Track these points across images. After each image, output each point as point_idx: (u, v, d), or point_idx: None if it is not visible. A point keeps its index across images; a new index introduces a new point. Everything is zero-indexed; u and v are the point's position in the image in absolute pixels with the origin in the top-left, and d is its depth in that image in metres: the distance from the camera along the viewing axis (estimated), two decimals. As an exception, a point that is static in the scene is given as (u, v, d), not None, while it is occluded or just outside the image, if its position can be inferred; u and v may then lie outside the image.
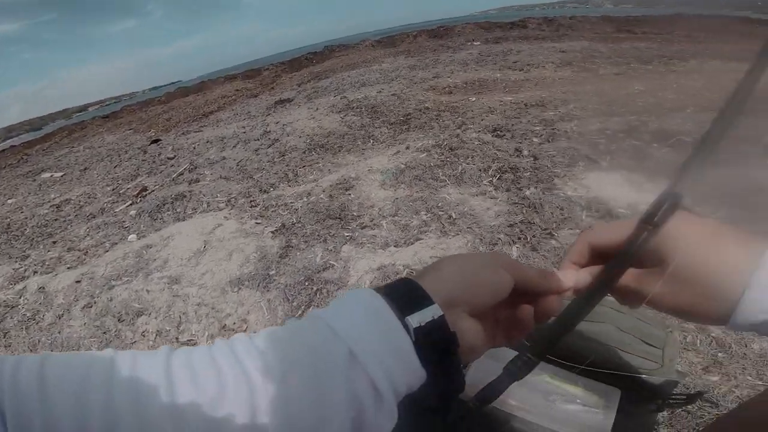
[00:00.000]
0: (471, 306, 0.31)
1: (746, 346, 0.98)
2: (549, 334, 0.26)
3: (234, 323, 1.38)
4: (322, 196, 1.88)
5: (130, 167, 3.31)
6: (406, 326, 0.28)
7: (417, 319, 0.28)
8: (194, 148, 3.28)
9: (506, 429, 0.57)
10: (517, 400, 0.56)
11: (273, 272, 1.46)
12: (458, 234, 1.42)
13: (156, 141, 4.01)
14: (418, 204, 1.65)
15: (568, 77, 3.64)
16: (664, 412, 0.82)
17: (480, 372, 0.59)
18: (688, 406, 0.84)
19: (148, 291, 1.57)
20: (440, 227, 1.48)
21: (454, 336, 0.29)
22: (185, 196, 2.25)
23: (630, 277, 0.33)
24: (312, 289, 1.34)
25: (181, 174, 2.71)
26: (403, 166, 1.97)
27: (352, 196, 1.83)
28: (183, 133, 3.99)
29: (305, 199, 1.89)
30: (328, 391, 0.27)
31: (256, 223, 1.78)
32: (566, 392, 0.56)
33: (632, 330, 0.66)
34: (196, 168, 2.74)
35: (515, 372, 0.27)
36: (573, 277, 0.35)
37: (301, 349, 0.27)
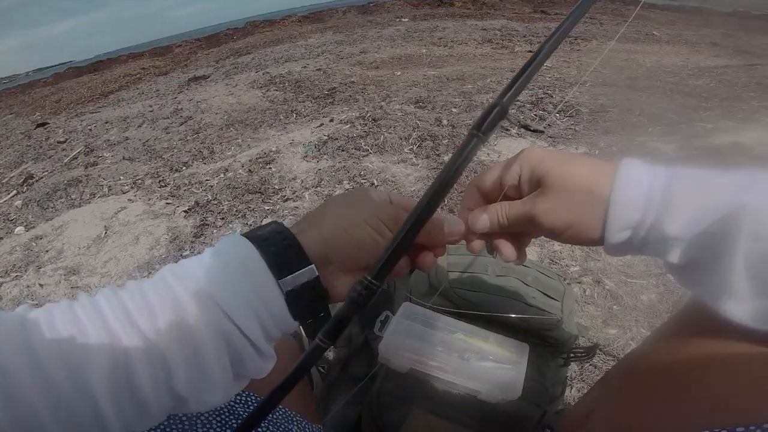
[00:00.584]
0: (348, 265, 0.31)
1: (636, 297, 1.02)
2: (385, 257, 0.25)
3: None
4: (240, 171, 1.78)
5: (12, 154, 2.84)
6: (280, 287, 0.28)
7: (291, 282, 0.28)
8: (90, 130, 2.90)
9: (427, 390, 0.58)
10: (435, 360, 0.57)
11: (187, 252, 1.36)
12: (380, 199, 1.43)
13: (43, 125, 3.48)
14: (340, 174, 1.63)
15: (488, 53, 3.80)
16: (575, 367, 0.85)
17: (397, 334, 0.60)
18: (594, 360, 0.86)
19: (41, 285, 1.38)
20: (362, 194, 1.47)
21: (326, 293, 0.29)
22: (81, 181, 1.99)
23: (517, 205, 0.34)
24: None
25: (75, 158, 2.39)
26: (326, 137, 1.92)
27: (273, 169, 1.75)
28: (76, 115, 3.51)
29: (222, 176, 1.77)
30: (203, 346, 0.26)
31: (167, 203, 1.64)
32: (480, 349, 0.58)
33: (535, 283, 0.70)
34: (92, 151, 2.43)
35: (357, 299, 0.26)
36: (460, 228, 0.36)
37: (173, 312, 0.26)
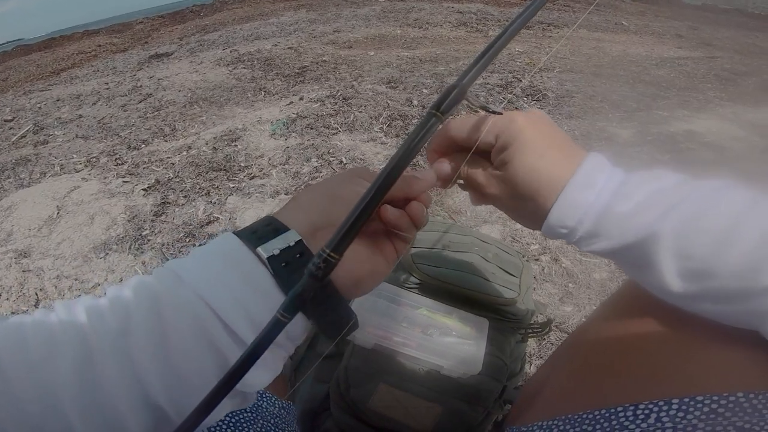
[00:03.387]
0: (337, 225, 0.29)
1: (590, 275, 1.05)
2: (344, 230, 0.24)
3: (105, 293, 1.22)
4: (204, 148, 1.72)
5: (-46, 134, 2.62)
6: (261, 259, 0.26)
7: (269, 248, 0.26)
8: (40, 108, 2.70)
9: (392, 365, 0.58)
10: (399, 335, 0.58)
11: (147, 232, 1.30)
12: (349, 178, 1.42)
13: (-13, 102, 3.23)
14: (309, 151, 1.61)
15: (462, 36, 3.79)
16: (534, 345, 0.88)
17: (362, 309, 0.59)
18: (551, 338, 0.89)
19: (-9, 270, 1.30)
20: (331, 172, 1.48)
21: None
22: (30, 160, 1.87)
23: (479, 174, 0.36)
24: (194, 244, 1.23)
25: (24, 137, 2.23)
26: (295, 115, 1.88)
27: (239, 147, 1.70)
28: (24, 93, 3.26)
29: (185, 153, 1.70)
30: (178, 345, 0.24)
31: (124, 181, 1.56)
32: (442, 325, 0.59)
33: (495, 259, 0.71)
34: (42, 129, 2.28)
35: (315, 273, 0.24)
36: (431, 174, 0.36)
37: (144, 302, 0.25)
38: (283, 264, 0.26)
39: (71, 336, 0.23)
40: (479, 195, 0.37)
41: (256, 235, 0.27)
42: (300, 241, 0.27)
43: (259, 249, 0.26)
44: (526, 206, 0.33)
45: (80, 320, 0.24)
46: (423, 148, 0.27)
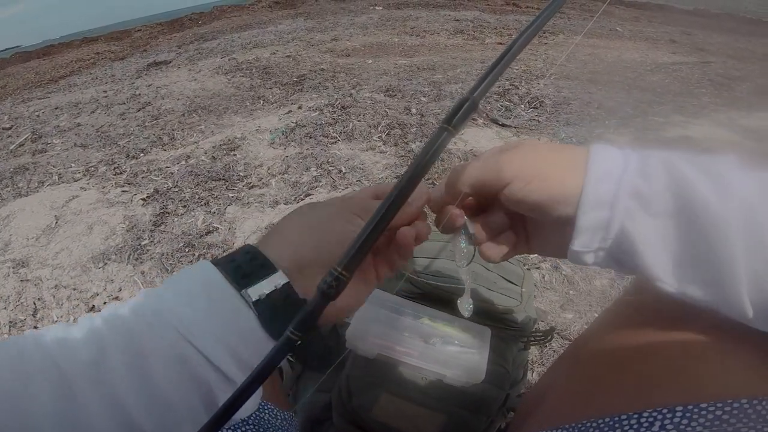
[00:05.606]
0: (325, 264, 0.28)
1: (590, 282, 1.05)
2: (356, 247, 0.23)
3: (104, 303, 1.21)
4: (203, 158, 1.72)
5: (-50, 142, 2.62)
6: (247, 301, 0.26)
7: (257, 292, 0.26)
8: (38, 116, 2.71)
9: (395, 374, 0.58)
10: (402, 345, 0.57)
11: (146, 242, 1.30)
12: (348, 187, 1.44)
13: (-15, 110, 3.24)
14: (308, 160, 1.61)
15: (459, 44, 3.82)
16: (536, 352, 0.88)
17: (364, 320, 0.59)
18: (553, 345, 0.89)
19: (-12, 279, 1.29)
20: (331, 182, 1.48)
21: (305, 303, 0.26)
22: (28, 169, 1.86)
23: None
24: (194, 255, 1.23)
25: (22, 145, 2.23)
26: (293, 124, 1.89)
27: (238, 156, 1.71)
28: (22, 101, 3.27)
29: (184, 163, 1.70)
30: (161, 382, 0.24)
31: (123, 191, 1.56)
32: (444, 334, 0.59)
33: (496, 268, 0.71)
34: (41, 137, 2.28)
35: (327, 291, 0.23)
36: (421, 197, 0.34)
37: (119, 338, 0.25)
38: (269, 307, 0.26)
39: (45, 367, 0.23)
40: (521, 243, 0.35)
41: (240, 271, 0.26)
42: (288, 284, 0.27)
43: (246, 292, 0.26)
44: (557, 218, 0.29)
45: (52, 352, 0.24)
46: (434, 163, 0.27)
